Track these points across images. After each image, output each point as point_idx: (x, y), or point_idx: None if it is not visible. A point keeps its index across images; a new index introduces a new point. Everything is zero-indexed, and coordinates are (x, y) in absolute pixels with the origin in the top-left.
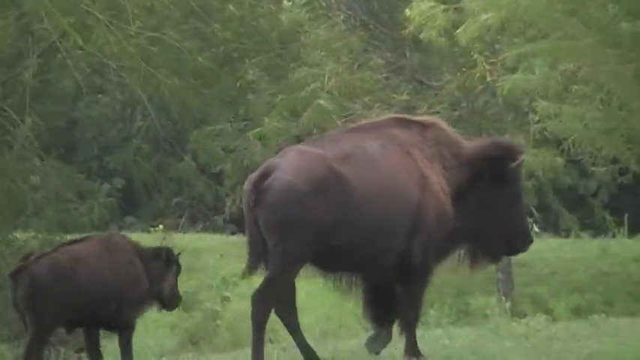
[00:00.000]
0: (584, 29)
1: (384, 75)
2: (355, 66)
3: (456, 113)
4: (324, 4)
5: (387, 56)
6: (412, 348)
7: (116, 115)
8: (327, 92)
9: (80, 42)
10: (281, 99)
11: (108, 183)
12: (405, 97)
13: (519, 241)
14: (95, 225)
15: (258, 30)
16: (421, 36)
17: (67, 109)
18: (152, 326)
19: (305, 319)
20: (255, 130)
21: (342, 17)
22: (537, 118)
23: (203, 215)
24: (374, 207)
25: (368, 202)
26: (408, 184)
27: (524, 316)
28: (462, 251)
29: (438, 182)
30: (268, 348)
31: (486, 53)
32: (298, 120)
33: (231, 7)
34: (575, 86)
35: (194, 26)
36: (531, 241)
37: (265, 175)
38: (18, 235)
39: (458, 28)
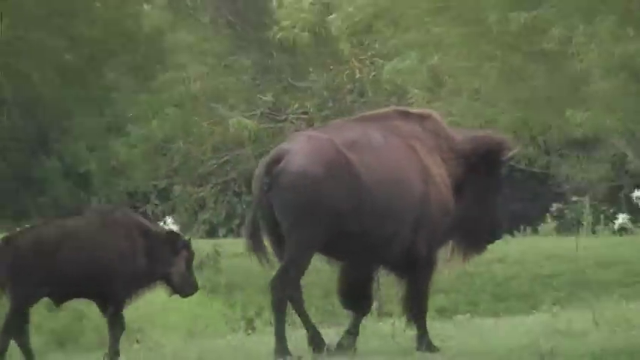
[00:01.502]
0: (451, 24)
1: (252, 76)
2: (222, 67)
3: (323, 113)
4: (189, 4)
5: (254, 57)
6: (424, 340)
7: None
8: (192, 96)
9: None
10: (144, 101)
11: None
12: (270, 98)
13: (498, 230)
14: None
15: (125, 30)
16: (294, 31)
17: None
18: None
19: (171, 318)
20: (123, 139)
21: (208, 18)
22: None
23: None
24: (380, 194)
25: (375, 189)
26: (411, 176)
27: (391, 315)
28: (452, 243)
29: (440, 174)
30: (134, 349)
31: (356, 50)
32: (163, 124)
33: (98, 4)
34: (446, 79)
35: (59, 25)
36: (505, 230)
37: (277, 159)
38: None
39: (325, 24)
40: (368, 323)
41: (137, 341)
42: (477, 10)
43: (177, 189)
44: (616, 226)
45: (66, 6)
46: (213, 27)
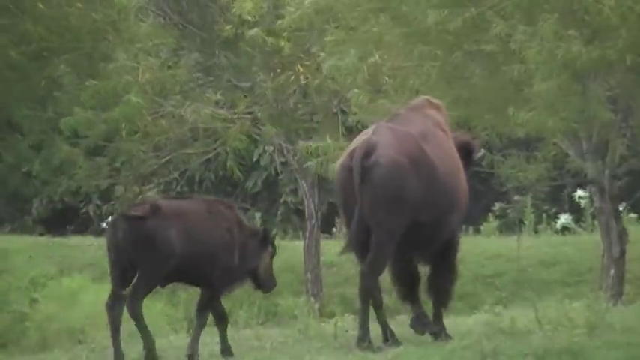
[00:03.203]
0: (392, 23)
1: (196, 75)
2: (169, 64)
3: (266, 114)
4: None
5: (197, 56)
6: (440, 322)
7: None
8: (140, 87)
9: None
10: (90, 84)
11: None
12: (219, 96)
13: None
14: None
15: (69, 28)
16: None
17: None
18: None
19: None
20: (66, 119)
21: (151, 18)
22: (353, 111)
23: (11, 216)
24: (446, 185)
25: (443, 180)
26: (455, 165)
27: (333, 316)
28: None
29: (460, 162)
30: (77, 349)
31: (301, 55)
32: (108, 112)
33: (40, 5)
34: (386, 79)
35: (7, 22)
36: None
37: (369, 153)
38: None
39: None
40: (310, 324)
41: (80, 342)
42: (416, 10)
43: (119, 189)
44: (558, 226)
45: (13, 4)
46: (155, 23)
